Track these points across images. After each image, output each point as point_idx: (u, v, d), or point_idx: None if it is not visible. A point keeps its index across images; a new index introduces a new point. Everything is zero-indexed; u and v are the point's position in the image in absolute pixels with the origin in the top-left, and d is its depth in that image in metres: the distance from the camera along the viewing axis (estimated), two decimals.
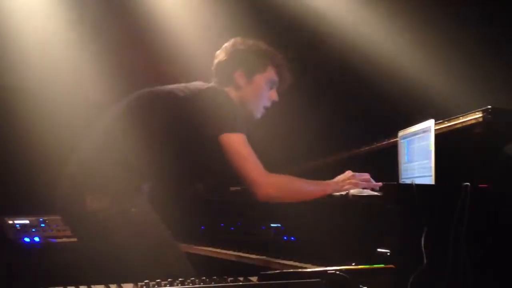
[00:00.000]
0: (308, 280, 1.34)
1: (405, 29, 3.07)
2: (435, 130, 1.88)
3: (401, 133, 2.11)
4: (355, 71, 3.15)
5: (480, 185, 1.72)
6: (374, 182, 2.01)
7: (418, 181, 1.93)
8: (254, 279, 1.42)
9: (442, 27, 3.00)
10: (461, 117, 1.99)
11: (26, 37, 3.31)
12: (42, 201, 3.00)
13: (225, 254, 2.44)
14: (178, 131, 2.02)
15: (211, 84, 2.18)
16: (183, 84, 2.12)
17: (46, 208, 2.83)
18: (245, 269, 2.20)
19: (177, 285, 1.32)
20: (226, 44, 2.22)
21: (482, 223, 1.70)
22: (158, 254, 1.95)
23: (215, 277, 1.36)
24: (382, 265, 1.52)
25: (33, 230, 2.87)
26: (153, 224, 2.02)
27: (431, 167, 1.85)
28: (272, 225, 2.31)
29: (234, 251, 2.41)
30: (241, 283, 1.33)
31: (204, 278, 1.36)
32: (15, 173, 3.29)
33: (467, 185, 1.67)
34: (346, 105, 3.30)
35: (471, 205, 1.66)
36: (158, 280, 1.34)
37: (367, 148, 2.55)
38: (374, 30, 3.14)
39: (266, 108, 2.23)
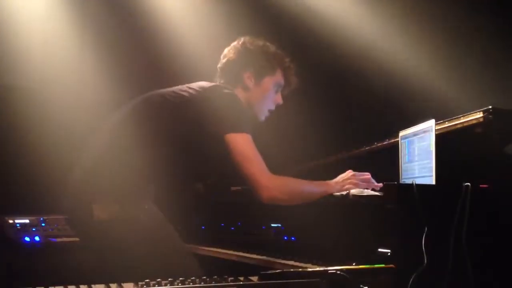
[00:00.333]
0: (308, 280, 1.33)
1: (406, 29, 3.07)
2: (436, 130, 1.88)
3: (401, 133, 2.11)
4: (356, 71, 3.15)
5: (480, 185, 1.72)
6: (374, 182, 2.01)
7: (419, 181, 1.93)
8: (254, 278, 1.42)
9: (443, 27, 3.00)
10: (461, 117, 1.99)
11: (29, 37, 3.31)
12: (43, 200, 3.01)
13: (226, 254, 2.44)
14: (184, 132, 2.00)
15: (217, 83, 2.16)
16: (186, 85, 2.10)
17: (47, 207, 2.84)
18: (246, 269, 2.20)
19: (178, 285, 1.32)
20: (235, 43, 2.18)
21: (482, 223, 1.69)
22: (168, 259, 1.93)
23: (215, 277, 1.36)
24: (382, 265, 1.52)
25: (34, 229, 2.87)
26: (162, 230, 2.00)
27: (431, 167, 1.85)
28: (272, 225, 2.31)
29: (235, 251, 2.41)
30: (241, 283, 1.33)
31: (204, 277, 1.36)
32: (15, 173, 3.29)
33: (467, 185, 1.67)
34: (347, 105, 3.30)
35: (471, 205, 1.66)
36: (159, 280, 1.34)
37: (367, 148, 2.55)
38: (376, 30, 3.14)
39: (270, 111, 2.21)
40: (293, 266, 1.99)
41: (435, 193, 1.74)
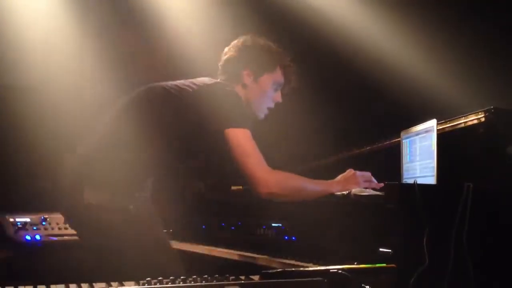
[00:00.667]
0: (310, 279, 1.33)
1: (408, 28, 3.07)
2: (437, 130, 1.88)
3: (403, 133, 2.11)
4: (358, 70, 3.15)
5: (482, 185, 1.72)
6: (375, 181, 2.01)
7: (420, 181, 1.93)
8: (255, 278, 1.42)
9: (445, 27, 3.00)
10: (463, 117, 1.99)
11: (29, 36, 3.31)
12: (43, 199, 3.01)
13: (226, 253, 2.44)
14: (183, 126, 2.01)
15: (218, 80, 2.17)
16: (189, 80, 2.10)
17: (47, 206, 2.83)
18: (246, 268, 2.20)
19: (179, 283, 1.32)
20: (235, 41, 2.20)
21: (484, 223, 1.69)
22: (150, 253, 1.94)
23: (217, 276, 1.36)
24: (384, 265, 1.52)
25: (34, 228, 2.87)
26: (148, 224, 2.01)
27: (433, 167, 1.85)
28: (273, 224, 2.31)
29: (235, 250, 2.41)
30: (243, 282, 1.33)
31: (206, 276, 1.36)
32: (16, 171, 3.29)
33: (469, 185, 1.67)
34: (349, 105, 3.30)
35: (472, 205, 1.65)
36: (160, 278, 1.34)
37: (369, 147, 2.55)
38: (378, 29, 3.14)
39: (269, 109, 2.22)
40: (294, 266, 1.99)
41: (436, 193, 1.74)
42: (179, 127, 2.01)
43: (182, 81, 2.10)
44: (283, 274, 1.38)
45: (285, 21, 3.28)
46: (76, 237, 2.36)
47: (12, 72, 3.36)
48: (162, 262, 1.94)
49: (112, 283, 1.38)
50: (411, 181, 1.98)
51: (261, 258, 2.21)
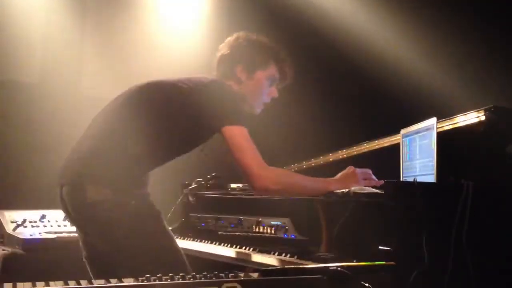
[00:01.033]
0: (309, 276, 1.33)
1: (408, 27, 3.07)
2: (437, 128, 1.87)
3: (403, 131, 2.11)
4: (358, 69, 3.15)
5: (481, 184, 1.71)
6: (375, 179, 2.00)
7: (420, 179, 1.93)
8: (255, 275, 1.41)
9: (446, 25, 3.00)
10: (463, 116, 1.99)
11: (29, 32, 3.30)
12: (42, 196, 3.00)
13: (225, 250, 2.44)
14: (180, 123, 2.01)
15: (214, 77, 2.17)
16: (186, 77, 2.10)
17: (46, 203, 2.83)
18: (245, 266, 2.20)
19: (178, 280, 1.32)
20: (229, 38, 2.21)
21: (483, 222, 1.69)
22: (154, 249, 1.94)
23: (216, 273, 1.36)
24: (383, 262, 1.52)
25: (33, 225, 2.86)
26: (150, 219, 2.00)
27: (433, 165, 1.85)
28: (272, 222, 2.31)
29: (234, 248, 2.41)
30: (242, 279, 1.33)
31: (205, 273, 1.35)
32: (15, 168, 3.29)
33: (468, 183, 1.67)
34: (348, 103, 3.30)
35: (472, 204, 1.65)
36: (159, 275, 1.33)
37: (368, 146, 2.54)
38: (378, 28, 3.14)
39: (265, 104, 2.22)
40: (293, 263, 1.98)
41: (436, 191, 1.74)
42: (177, 123, 2.01)
43: (179, 78, 2.10)
44: (283, 272, 1.38)
45: (284, 18, 3.28)
46: (74, 234, 2.35)
47: (12, 68, 3.35)
48: (165, 258, 1.94)
49: (111, 280, 1.37)
50: (410, 179, 1.99)
51: (260, 256, 2.21)
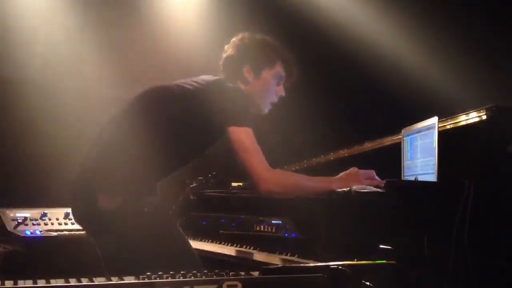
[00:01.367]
0: (310, 274, 1.33)
1: (410, 25, 3.06)
2: (439, 127, 1.87)
3: (404, 130, 2.11)
4: (360, 68, 3.15)
5: (482, 183, 1.71)
6: (378, 179, 2.00)
7: (421, 178, 1.92)
8: (255, 273, 1.41)
9: (447, 24, 2.99)
10: (465, 115, 1.99)
11: (30, 30, 3.31)
12: (43, 194, 3.01)
13: (226, 249, 2.44)
14: (187, 125, 2.00)
15: (219, 77, 2.17)
16: (191, 78, 2.10)
17: (47, 201, 2.83)
18: (246, 264, 2.20)
19: (179, 278, 1.32)
20: (234, 39, 2.20)
21: (484, 221, 1.69)
22: (171, 257, 1.93)
23: (217, 271, 1.36)
24: (384, 261, 1.51)
25: (34, 223, 2.87)
26: (165, 224, 2.00)
27: (434, 164, 1.84)
28: (273, 221, 2.31)
29: (235, 246, 2.41)
30: (243, 277, 1.33)
31: (206, 271, 1.35)
32: (16, 166, 3.29)
33: (470, 183, 1.67)
34: (350, 102, 3.29)
35: (473, 203, 1.65)
36: (160, 273, 1.33)
37: (370, 145, 2.54)
38: (380, 27, 3.14)
39: (273, 104, 2.21)
40: (294, 262, 1.99)
41: (437, 190, 1.73)
42: (184, 125, 2.01)
43: (184, 80, 2.10)
44: (283, 270, 1.38)
45: (286, 18, 3.27)
46: (75, 233, 2.37)
47: (15, 66, 3.35)
48: (185, 260, 1.93)
49: (112, 278, 1.37)
50: (411, 178, 1.99)
51: (261, 255, 2.21)
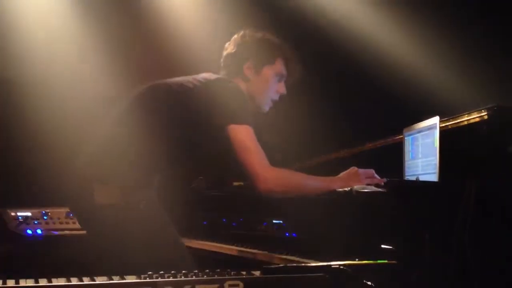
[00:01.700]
0: (312, 274, 1.33)
1: (411, 25, 3.06)
2: (440, 127, 1.87)
3: (406, 130, 2.11)
4: (361, 67, 3.14)
5: (484, 183, 1.71)
6: (378, 178, 2.00)
7: (422, 178, 1.93)
8: (257, 273, 1.41)
9: (449, 24, 2.99)
10: (466, 115, 1.99)
11: (32, 30, 3.30)
12: (44, 193, 3.01)
13: (227, 249, 2.44)
14: (186, 122, 2.01)
15: (220, 75, 2.17)
16: (191, 76, 2.10)
17: (49, 200, 2.84)
18: (247, 264, 2.20)
19: (180, 278, 1.32)
20: (235, 36, 2.20)
21: (486, 221, 1.69)
22: (161, 251, 1.94)
23: (218, 270, 1.36)
24: (385, 261, 1.52)
25: (35, 222, 2.87)
26: (159, 222, 2.01)
27: (435, 164, 1.84)
28: (274, 221, 2.31)
29: (236, 246, 2.41)
30: (244, 277, 1.33)
31: (207, 271, 1.36)
32: (18, 166, 3.29)
33: (471, 183, 1.67)
34: (351, 102, 3.29)
35: (475, 203, 1.65)
36: (161, 272, 1.33)
37: (371, 145, 2.54)
38: (381, 26, 3.13)
39: (273, 101, 2.21)
40: (294, 262, 1.98)
41: (438, 190, 1.74)
42: (183, 123, 2.01)
43: (184, 77, 2.10)
44: (285, 270, 1.38)
45: (288, 16, 3.27)
46: (77, 232, 2.37)
47: (16, 66, 3.35)
48: (174, 260, 1.94)
49: (114, 277, 1.38)
50: (413, 178, 1.99)
51: (261, 254, 2.21)
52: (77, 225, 2.63)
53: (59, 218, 2.93)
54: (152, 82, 2.12)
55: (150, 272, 1.34)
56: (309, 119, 3.18)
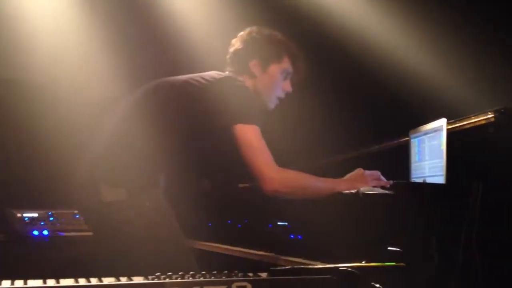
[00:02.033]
0: (319, 276, 1.33)
1: (418, 27, 3.05)
2: (447, 129, 1.87)
3: (412, 132, 2.10)
4: (368, 69, 3.14)
5: (491, 186, 1.71)
6: (384, 179, 2.00)
7: (429, 180, 1.92)
8: (263, 275, 1.41)
9: (456, 26, 2.98)
10: (473, 117, 1.98)
11: (38, 31, 3.31)
12: (51, 195, 3.01)
13: (232, 250, 2.44)
14: (192, 121, 2.00)
15: (227, 73, 2.17)
16: (198, 74, 2.10)
17: (55, 201, 2.84)
18: (252, 266, 2.19)
19: (188, 279, 1.32)
20: (242, 33, 2.20)
21: (493, 223, 1.69)
22: (164, 250, 1.94)
23: (226, 272, 1.36)
24: (393, 263, 1.51)
25: (42, 223, 2.88)
26: (164, 220, 2.01)
27: (442, 166, 1.84)
28: (279, 223, 2.30)
29: (241, 248, 2.41)
30: (253, 278, 1.33)
31: (214, 272, 1.35)
32: (24, 167, 3.30)
33: (478, 185, 1.66)
34: (358, 103, 3.29)
35: (482, 205, 1.64)
36: (169, 273, 1.33)
37: (377, 146, 2.54)
38: (388, 28, 3.13)
39: (279, 99, 2.21)
40: (300, 264, 1.98)
41: (445, 192, 1.73)
42: (189, 122, 2.01)
43: (190, 76, 2.10)
44: (292, 271, 1.38)
45: (294, 17, 3.27)
46: (83, 233, 2.37)
47: (23, 67, 3.36)
48: (178, 258, 1.94)
49: (121, 278, 1.37)
50: (419, 180, 1.98)
51: (267, 256, 2.21)
52: (84, 227, 2.64)
53: (64, 219, 2.94)
54: (158, 80, 2.12)
55: (158, 273, 1.34)
56: (316, 120, 3.18)
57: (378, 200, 1.82)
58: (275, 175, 1.93)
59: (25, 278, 1.35)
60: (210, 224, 2.80)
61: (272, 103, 2.18)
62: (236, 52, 2.17)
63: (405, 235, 1.63)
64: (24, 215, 2.89)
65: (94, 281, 1.35)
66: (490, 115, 1.90)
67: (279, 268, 1.40)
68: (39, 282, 1.32)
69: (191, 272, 1.34)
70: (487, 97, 2.67)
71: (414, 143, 2.08)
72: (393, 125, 2.50)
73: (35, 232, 2.80)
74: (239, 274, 1.35)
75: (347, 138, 3.02)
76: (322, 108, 3.15)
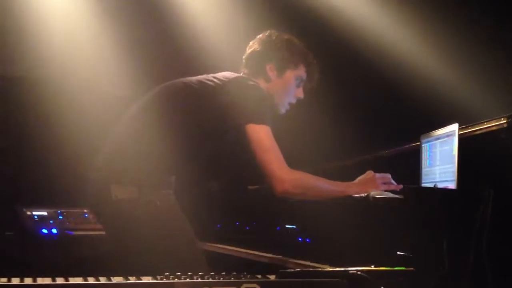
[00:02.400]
0: (329, 279, 1.32)
1: (431, 31, 3.04)
2: (459, 134, 1.85)
3: (423, 136, 2.09)
4: (380, 74, 3.13)
5: (503, 191, 1.69)
6: (395, 183, 1.99)
7: (440, 186, 1.91)
8: (272, 277, 1.41)
9: (469, 31, 2.96)
10: (485, 123, 1.97)
11: (50, 29, 3.33)
12: (60, 194, 3.03)
13: (239, 252, 2.44)
14: (204, 121, 2.01)
15: (241, 74, 2.18)
16: (211, 74, 2.11)
17: (65, 200, 2.86)
18: (260, 268, 2.19)
19: (197, 279, 1.32)
20: (261, 35, 2.20)
21: (504, 229, 1.67)
22: (175, 249, 1.94)
23: (234, 273, 1.36)
24: (402, 268, 1.50)
25: (51, 222, 2.90)
26: (175, 220, 2.01)
27: (453, 171, 1.82)
28: (287, 226, 2.30)
29: (249, 250, 2.40)
30: (262, 280, 1.33)
31: (223, 273, 1.35)
32: (34, 165, 3.32)
33: (490, 191, 1.65)
34: (369, 108, 3.28)
35: (493, 211, 1.63)
36: (178, 274, 1.33)
37: (388, 151, 2.53)
38: (399, 31, 3.11)
39: (290, 105, 2.21)
40: (307, 267, 1.97)
41: (456, 198, 1.72)
42: (201, 122, 2.01)
43: (204, 76, 2.10)
44: (301, 274, 1.37)
45: (305, 23, 3.27)
46: (92, 232, 2.38)
47: (31, 63, 3.38)
48: (188, 258, 1.94)
49: (130, 277, 1.38)
50: (430, 185, 1.97)
51: (275, 258, 2.21)
52: (93, 226, 2.65)
53: (73, 218, 2.95)
54: (172, 81, 2.13)
55: (167, 273, 1.34)
56: (327, 123, 3.17)
57: (389, 204, 1.81)
58: (286, 176, 1.93)
59: (34, 276, 1.36)
60: (218, 226, 2.80)
61: (283, 108, 2.19)
62: (253, 53, 2.17)
63: (415, 239, 1.62)
64: (34, 213, 2.90)
65: (103, 280, 1.36)
66: (503, 121, 1.89)
67: (288, 270, 1.40)
68: (48, 280, 1.32)
69: (200, 273, 1.34)
70: (499, 102, 2.65)
71: (425, 148, 2.07)
72: (404, 130, 2.49)
73: (44, 231, 2.82)
74: (248, 276, 1.35)
75: (358, 142, 3.01)
76: (335, 111, 3.15)
